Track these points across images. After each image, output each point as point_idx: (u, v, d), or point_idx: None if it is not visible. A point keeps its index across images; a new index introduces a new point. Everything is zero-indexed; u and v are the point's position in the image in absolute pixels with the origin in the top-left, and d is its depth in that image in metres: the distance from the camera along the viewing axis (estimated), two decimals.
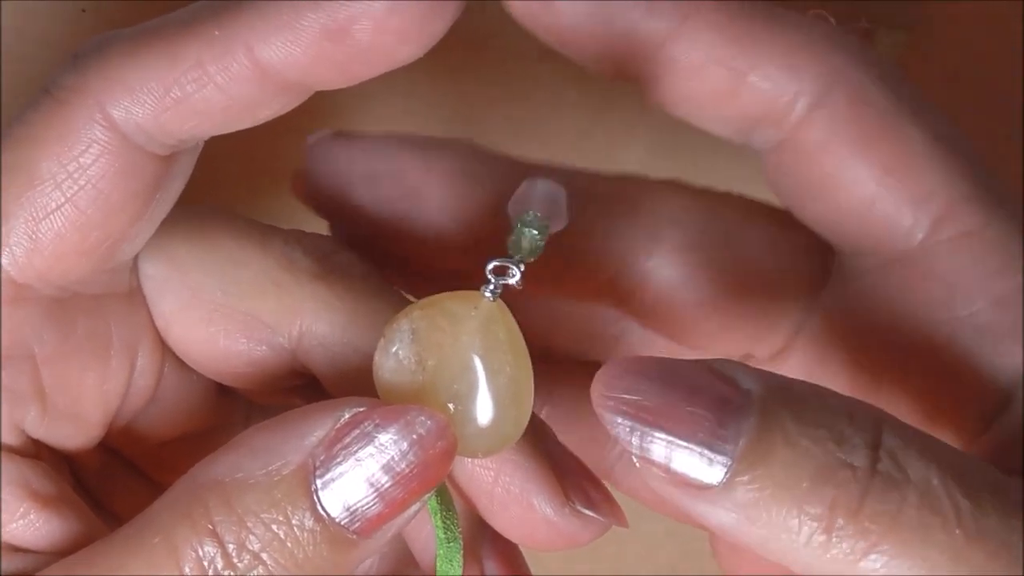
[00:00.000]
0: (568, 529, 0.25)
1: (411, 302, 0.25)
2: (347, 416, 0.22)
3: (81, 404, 0.25)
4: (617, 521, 0.25)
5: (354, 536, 0.22)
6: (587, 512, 0.25)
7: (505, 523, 0.25)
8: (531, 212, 0.24)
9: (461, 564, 0.24)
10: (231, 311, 0.25)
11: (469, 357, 0.23)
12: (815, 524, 0.20)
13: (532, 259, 0.23)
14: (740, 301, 0.27)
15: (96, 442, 0.26)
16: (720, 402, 0.20)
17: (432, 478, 0.22)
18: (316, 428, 0.22)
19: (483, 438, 0.23)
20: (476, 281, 0.23)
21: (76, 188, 0.23)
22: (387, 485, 0.22)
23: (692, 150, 0.39)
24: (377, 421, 0.22)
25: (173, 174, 0.24)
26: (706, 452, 0.20)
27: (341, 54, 0.22)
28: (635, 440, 0.21)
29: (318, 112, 0.39)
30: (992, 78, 0.40)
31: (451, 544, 0.24)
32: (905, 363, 0.25)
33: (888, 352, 0.25)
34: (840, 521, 0.20)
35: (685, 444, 0.20)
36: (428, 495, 0.22)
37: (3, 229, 0.23)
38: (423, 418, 0.22)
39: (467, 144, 0.26)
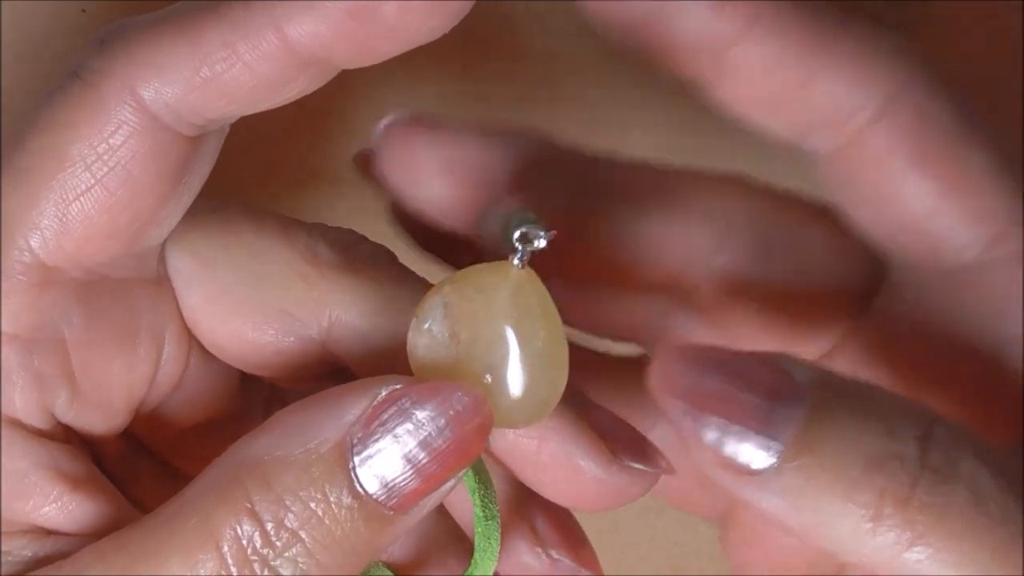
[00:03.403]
0: (618, 485, 0.25)
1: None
2: (384, 394, 0.22)
3: (109, 390, 0.25)
4: (664, 470, 0.26)
5: (391, 512, 0.22)
6: (635, 466, 0.25)
7: (555, 490, 0.25)
8: (512, 215, 0.24)
9: (499, 541, 0.25)
10: (259, 304, 0.26)
11: (502, 326, 0.23)
12: (863, 512, 0.20)
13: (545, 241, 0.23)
14: (796, 303, 0.27)
15: (122, 428, 0.26)
16: (773, 390, 0.21)
17: (469, 453, 0.22)
18: (353, 406, 0.22)
19: (521, 408, 0.23)
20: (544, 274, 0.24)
21: (106, 169, 0.23)
22: (424, 461, 0.22)
23: (693, 150, 0.39)
24: (414, 398, 0.22)
25: (200, 156, 0.24)
26: (758, 438, 0.21)
27: (366, 32, 0.22)
28: (689, 424, 0.21)
29: (317, 112, 0.39)
30: (992, 78, 0.40)
31: (489, 522, 0.24)
32: (950, 375, 0.25)
33: (934, 363, 0.26)
34: (888, 510, 0.20)
35: (738, 430, 0.21)
36: (464, 471, 0.23)
37: (34, 212, 0.23)
38: (460, 394, 0.22)
39: (543, 137, 0.26)
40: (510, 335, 0.23)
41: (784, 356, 0.21)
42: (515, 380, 0.23)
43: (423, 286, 0.26)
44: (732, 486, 0.21)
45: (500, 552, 0.25)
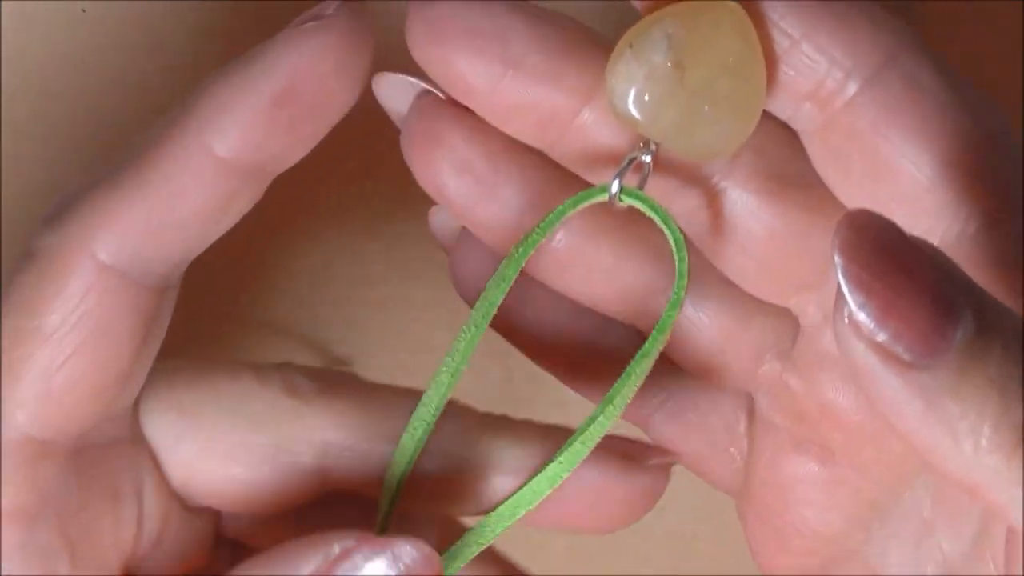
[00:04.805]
0: (644, 487, 0.27)
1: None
2: (337, 550, 0.23)
3: (103, 550, 0.26)
4: (675, 456, 0.27)
5: None
6: (650, 463, 0.26)
7: (587, 519, 0.26)
8: None
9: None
10: (252, 446, 0.26)
11: (725, 60, 0.23)
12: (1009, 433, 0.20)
13: None
14: (806, 240, 0.26)
15: None
16: (944, 298, 0.20)
17: None
18: (306, 563, 0.23)
19: (718, 137, 0.24)
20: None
21: (83, 336, 0.24)
22: None
23: None
24: (366, 553, 0.23)
25: (164, 306, 0.25)
26: (921, 332, 0.20)
27: (292, 115, 0.23)
28: (855, 297, 0.20)
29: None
30: (992, 78, 0.40)
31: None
32: None
33: None
34: None
35: (901, 321, 0.20)
36: None
37: (18, 391, 0.24)
38: (409, 548, 0.23)
39: (574, 20, 0.25)
40: (732, 70, 0.23)
41: (954, 264, 0.20)
42: (722, 115, 0.23)
43: (403, 395, 0.27)
44: (872, 375, 0.20)
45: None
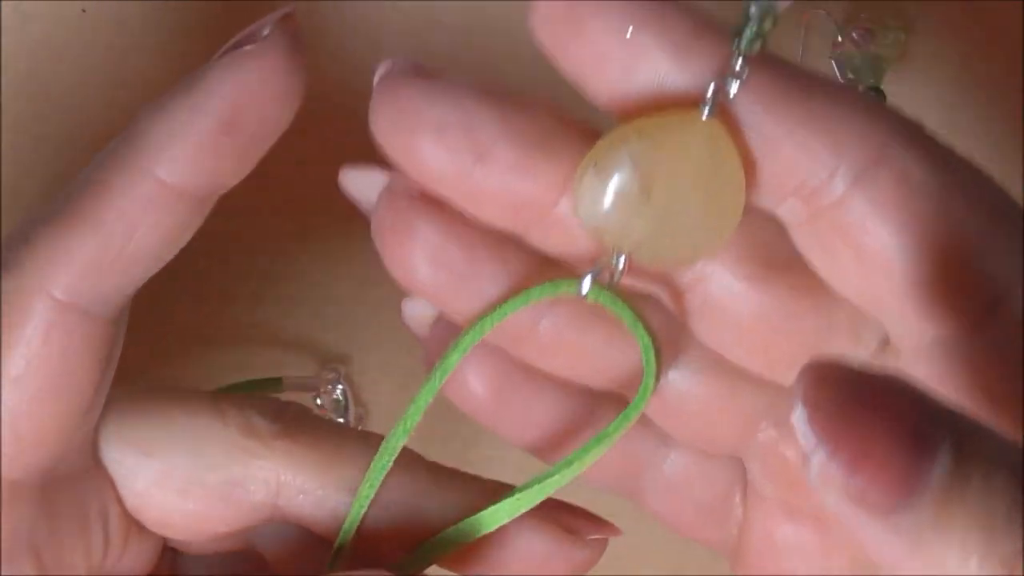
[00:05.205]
0: (582, 559, 0.27)
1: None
2: None
3: (73, 574, 0.26)
4: (616, 534, 0.27)
5: None
6: (592, 537, 0.27)
7: None
8: None
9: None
10: (205, 483, 0.26)
11: (692, 179, 0.22)
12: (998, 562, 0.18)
13: (754, 49, 0.21)
14: (794, 321, 0.25)
15: None
16: (917, 436, 0.19)
17: None
18: None
19: (689, 247, 0.23)
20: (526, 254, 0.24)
21: (45, 374, 0.24)
22: None
23: None
24: None
25: (119, 333, 0.25)
26: (898, 475, 0.19)
27: (237, 140, 0.23)
28: (824, 448, 0.19)
29: (315, 118, 0.39)
30: (992, 78, 0.40)
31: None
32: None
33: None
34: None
35: (876, 465, 0.19)
36: None
37: None
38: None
39: (548, 104, 0.24)
40: (699, 187, 0.22)
41: (926, 394, 0.19)
42: (690, 227, 0.23)
43: (357, 436, 0.27)
44: (852, 521, 0.19)
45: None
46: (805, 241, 0.24)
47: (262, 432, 0.27)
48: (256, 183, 0.39)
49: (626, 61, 0.22)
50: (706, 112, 0.22)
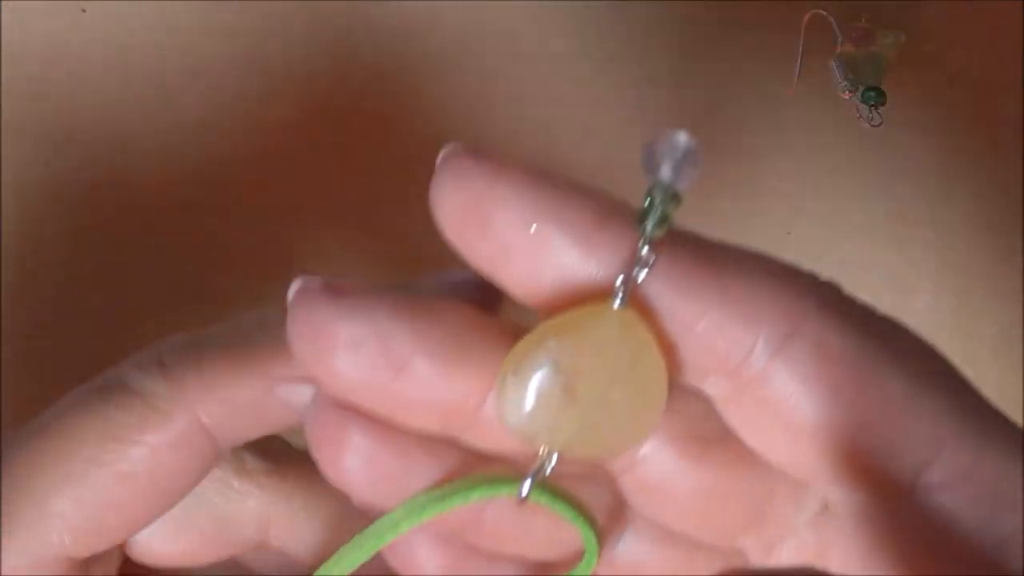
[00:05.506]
0: None
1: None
2: None
3: None
4: None
5: None
6: None
7: None
8: (664, 171, 0.22)
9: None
10: (197, 520, 0.27)
11: (613, 372, 0.22)
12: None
13: (659, 234, 0.22)
14: (732, 494, 0.25)
15: None
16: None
17: None
18: None
19: (618, 438, 0.23)
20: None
21: (155, 481, 0.25)
22: None
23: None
24: None
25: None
26: None
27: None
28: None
29: (315, 118, 0.39)
30: (992, 78, 0.40)
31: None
32: None
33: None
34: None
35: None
36: None
37: (69, 513, 0.25)
38: None
39: (462, 308, 0.24)
40: (619, 379, 0.22)
41: None
42: (616, 420, 0.23)
43: None
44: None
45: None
46: (732, 415, 0.24)
47: (253, 471, 0.28)
48: (257, 185, 0.40)
49: (533, 255, 0.22)
50: (617, 302, 0.22)
